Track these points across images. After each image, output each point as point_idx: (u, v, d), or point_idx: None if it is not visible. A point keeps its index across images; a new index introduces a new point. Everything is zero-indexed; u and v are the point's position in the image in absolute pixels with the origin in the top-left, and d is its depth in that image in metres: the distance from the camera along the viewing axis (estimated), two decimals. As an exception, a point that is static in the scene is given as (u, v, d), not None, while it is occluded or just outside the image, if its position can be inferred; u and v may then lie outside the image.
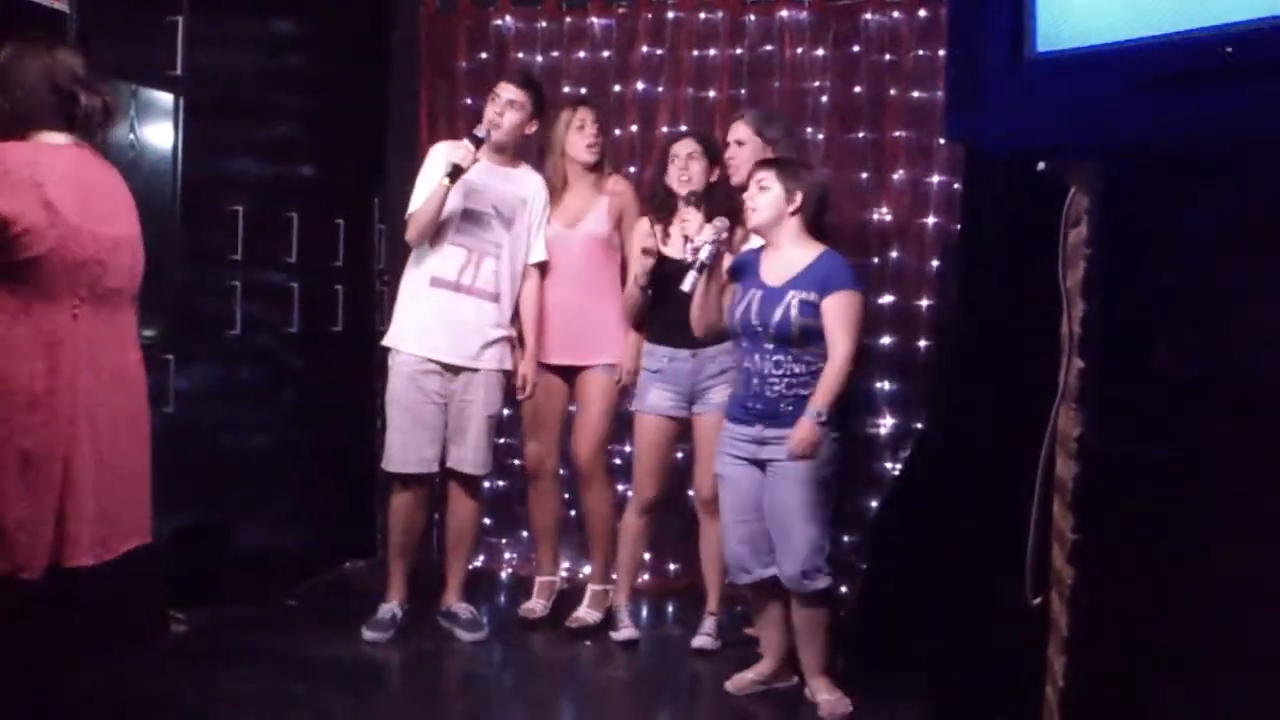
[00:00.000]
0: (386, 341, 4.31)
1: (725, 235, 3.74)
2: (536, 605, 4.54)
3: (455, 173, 4.08)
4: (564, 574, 4.83)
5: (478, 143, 4.13)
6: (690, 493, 4.45)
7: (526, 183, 4.36)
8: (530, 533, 4.82)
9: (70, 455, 2.77)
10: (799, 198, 3.62)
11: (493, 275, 4.25)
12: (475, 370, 4.24)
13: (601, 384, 4.40)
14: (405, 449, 4.23)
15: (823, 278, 3.57)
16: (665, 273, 4.07)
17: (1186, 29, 1.57)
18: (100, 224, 2.84)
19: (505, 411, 4.59)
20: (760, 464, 3.61)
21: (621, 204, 4.42)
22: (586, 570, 4.71)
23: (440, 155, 4.28)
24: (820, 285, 3.55)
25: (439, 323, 4.20)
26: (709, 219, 3.92)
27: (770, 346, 3.58)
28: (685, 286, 3.72)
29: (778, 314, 3.55)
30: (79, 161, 2.85)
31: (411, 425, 4.21)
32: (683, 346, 4.13)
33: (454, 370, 4.23)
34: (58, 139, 2.84)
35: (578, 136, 4.39)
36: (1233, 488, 1.84)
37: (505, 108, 4.23)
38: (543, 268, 4.38)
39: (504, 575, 5.07)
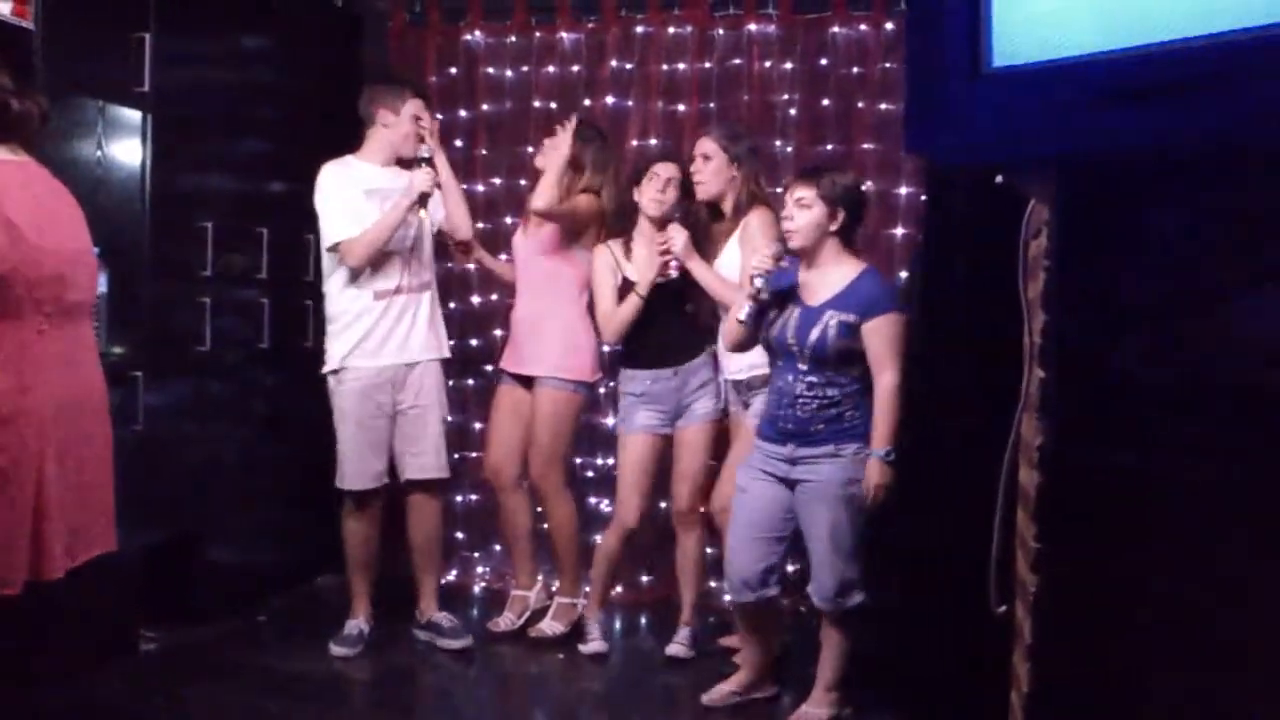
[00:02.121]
0: (329, 366, 4.24)
1: (781, 260, 3.55)
2: (504, 620, 4.55)
3: (424, 200, 4.11)
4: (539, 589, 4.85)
5: (430, 164, 4.17)
6: (663, 505, 4.46)
7: (413, 175, 4.25)
8: (502, 546, 4.82)
9: (42, 470, 2.77)
10: (841, 216, 3.49)
11: (421, 267, 4.28)
12: (425, 364, 4.26)
13: (549, 398, 4.40)
14: (359, 465, 4.22)
15: (864, 300, 3.43)
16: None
17: (1142, 44, 1.60)
18: (58, 239, 2.84)
19: (476, 425, 4.59)
20: (790, 483, 3.51)
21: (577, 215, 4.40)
22: (556, 584, 4.71)
23: (340, 177, 4.23)
24: (861, 308, 3.42)
25: (386, 332, 4.19)
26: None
27: (804, 367, 3.46)
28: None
29: (814, 334, 3.44)
30: (28, 175, 2.85)
31: (365, 441, 4.21)
32: (664, 366, 4.15)
33: (405, 372, 4.22)
34: (3, 154, 2.83)
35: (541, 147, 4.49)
36: (1195, 495, 1.86)
37: (428, 118, 4.29)
38: (508, 290, 4.51)
39: (477, 589, 5.06)
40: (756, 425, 3.70)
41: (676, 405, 4.17)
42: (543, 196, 4.22)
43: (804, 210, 3.49)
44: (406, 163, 4.28)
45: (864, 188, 3.78)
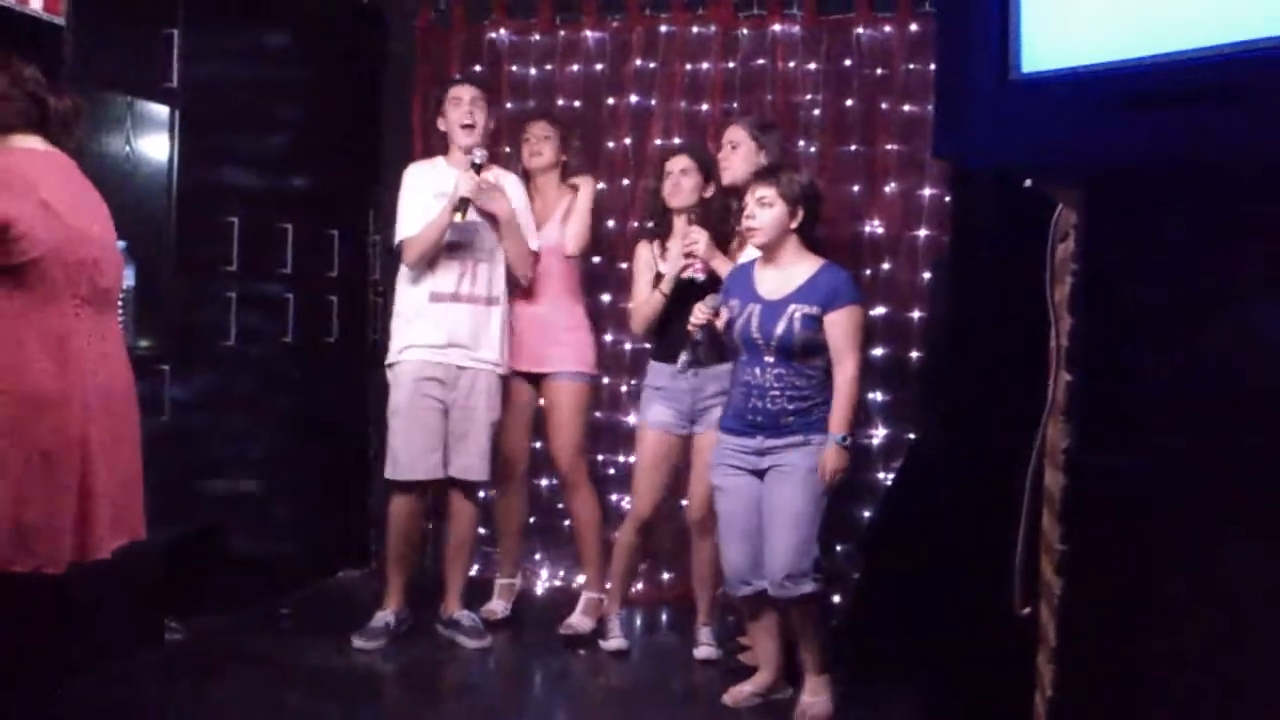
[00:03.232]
0: (388, 359, 4.33)
1: (715, 315, 3.77)
2: (498, 606, 4.62)
3: (464, 205, 4.11)
4: (544, 583, 4.98)
5: (478, 169, 4.16)
6: (684, 503, 4.47)
7: (500, 182, 4.39)
8: (494, 534, 4.85)
9: (87, 451, 2.81)
10: (801, 214, 3.62)
11: (488, 281, 4.30)
12: (478, 370, 4.28)
13: (567, 390, 4.46)
14: (411, 456, 4.24)
15: (826, 292, 3.57)
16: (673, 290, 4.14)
17: (1172, 51, 1.60)
18: (91, 224, 2.88)
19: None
20: (760, 474, 3.62)
21: (572, 200, 4.49)
22: (580, 579, 4.73)
23: (418, 177, 4.33)
24: (824, 299, 3.55)
25: (441, 330, 4.24)
26: (705, 230, 4.01)
27: (770, 359, 3.58)
28: (678, 367, 3.88)
29: (780, 327, 3.56)
30: (61, 165, 2.89)
31: (417, 433, 4.23)
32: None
33: (456, 373, 4.25)
34: (36, 144, 2.87)
35: (524, 148, 4.58)
36: (1220, 498, 1.87)
37: (472, 107, 4.29)
38: (537, 256, 4.46)
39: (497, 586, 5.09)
40: (719, 419, 3.82)
41: (691, 407, 4.17)
42: (579, 241, 4.45)
43: (766, 209, 3.62)
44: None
45: (818, 186, 3.91)
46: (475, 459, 4.31)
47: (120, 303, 3.19)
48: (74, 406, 2.79)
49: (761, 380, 3.59)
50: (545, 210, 4.55)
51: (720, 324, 3.74)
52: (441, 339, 4.23)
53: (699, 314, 3.79)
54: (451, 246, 4.23)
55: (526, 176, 4.60)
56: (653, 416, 4.22)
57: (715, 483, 3.74)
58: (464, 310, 4.26)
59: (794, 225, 3.63)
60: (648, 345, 4.47)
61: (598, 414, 4.91)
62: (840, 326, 3.54)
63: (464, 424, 4.28)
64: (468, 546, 4.45)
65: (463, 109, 4.28)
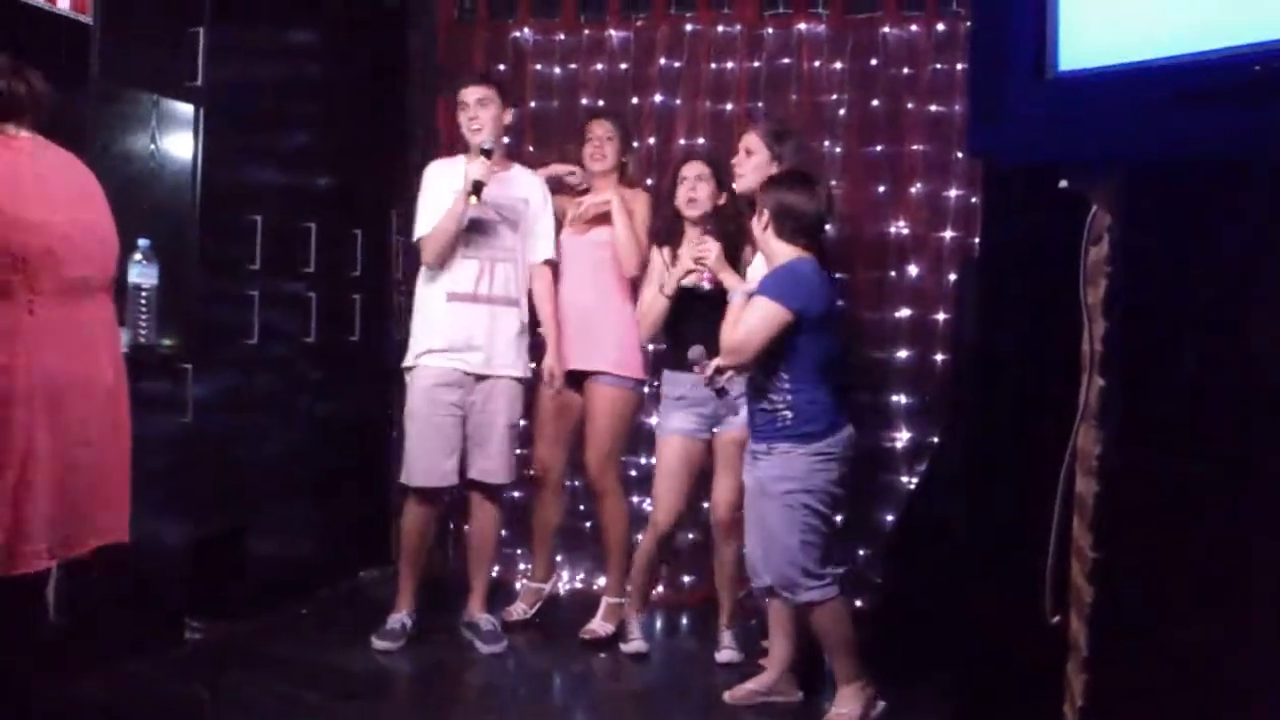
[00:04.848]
0: (405, 362, 4.31)
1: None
2: (517, 609, 4.60)
3: (478, 188, 4.09)
4: (566, 585, 4.98)
5: (488, 154, 4.15)
6: (705, 505, 4.45)
7: (523, 182, 4.39)
8: (528, 536, 4.84)
9: (29, 454, 2.68)
10: (785, 225, 3.59)
11: (507, 281, 4.27)
12: (496, 378, 4.26)
13: (608, 395, 4.41)
14: (426, 462, 4.23)
15: (762, 284, 3.58)
16: (680, 297, 4.10)
17: (1212, 48, 1.57)
18: (49, 213, 2.74)
19: (522, 422, 4.60)
20: None
21: (629, 204, 4.42)
22: (601, 582, 4.72)
23: (438, 175, 4.32)
24: (759, 289, 3.57)
25: (459, 334, 4.21)
26: (718, 239, 4.00)
27: None
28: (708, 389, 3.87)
29: None
30: (16, 151, 2.77)
31: (431, 439, 4.21)
32: None
33: (474, 380, 4.24)
34: None
35: (587, 147, 4.49)
36: (1254, 505, 1.83)
37: (476, 110, 4.25)
38: (552, 267, 4.41)
39: (518, 586, 5.07)
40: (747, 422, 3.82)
41: (715, 411, 4.15)
42: (633, 262, 4.35)
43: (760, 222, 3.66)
44: (501, 156, 4.32)
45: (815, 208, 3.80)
46: (495, 462, 4.29)
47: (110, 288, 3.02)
48: (17, 407, 2.67)
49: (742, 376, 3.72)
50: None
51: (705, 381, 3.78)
52: (459, 341, 4.20)
53: (693, 353, 3.80)
54: (469, 245, 4.21)
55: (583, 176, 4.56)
56: (674, 424, 4.20)
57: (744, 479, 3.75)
58: (482, 310, 4.23)
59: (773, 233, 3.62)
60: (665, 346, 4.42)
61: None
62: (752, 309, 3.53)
63: (483, 430, 4.26)
64: (489, 548, 4.43)
65: (468, 112, 4.26)
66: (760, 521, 3.58)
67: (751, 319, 3.51)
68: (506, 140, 4.47)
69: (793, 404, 3.52)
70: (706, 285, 4.04)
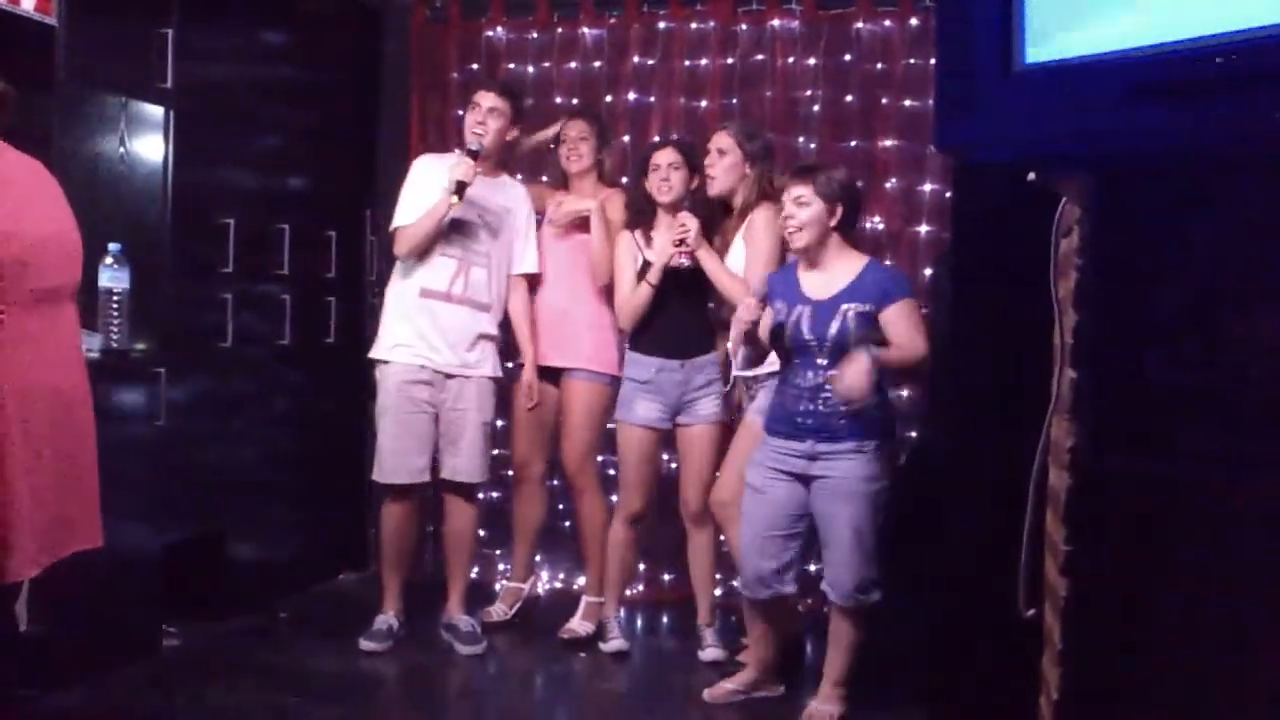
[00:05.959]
0: (374, 353, 4.30)
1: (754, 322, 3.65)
2: (496, 610, 4.59)
3: (460, 189, 4.08)
4: (545, 585, 4.97)
5: (474, 155, 4.14)
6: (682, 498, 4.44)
7: (510, 192, 4.39)
8: (508, 536, 4.83)
9: (7, 463, 2.65)
10: (840, 211, 3.54)
11: (481, 285, 4.26)
12: (467, 377, 4.24)
13: (583, 391, 4.41)
14: (396, 459, 4.22)
15: (876, 289, 3.47)
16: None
17: (1176, 40, 1.57)
18: (15, 222, 2.69)
19: (499, 422, 4.58)
20: (806, 480, 3.50)
21: (606, 212, 4.39)
22: (581, 581, 4.71)
23: (425, 169, 4.32)
24: (875, 298, 3.46)
25: (431, 331, 4.20)
26: (696, 218, 4.00)
27: (824, 362, 3.46)
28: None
29: (834, 328, 3.45)
30: None
31: (402, 435, 4.20)
32: (673, 356, 4.14)
33: (445, 377, 4.22)
34: None
35: (562, 149, 4.48)
36: (1225, 498, 1.84)
37: (486, 116, 4.24)
38: (531, 280, 4.40)
39: (498, 587, 5.05)
40: (763, 421, 3.69)
41: (679, 399, 4.14)
42: (605, 273, 4.32)
43: (804, 208, 3.54)
44: (494, 164, 4.33)
45: (858, 184, 3.83)
46: (467, 460, 4.27)
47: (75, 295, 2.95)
48: None
49: (815, 382, 3.47)
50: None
51: (764, 331, 3.61)
52: (432, 338, 4.20)
53: (742, 320, 3.62)
54: (449, 244, 4.20)
55: (564, 178, 4.54)
56: (636, 414, 4.18)
57: (752, 482, 3.60)
58: (454, 310, 4.22)
59: (833, 224, 3.54)
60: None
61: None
62: (901, 319, 3.45)
63: (455, 427, 4.25)
64: (466, 549, 4.41)
65: (477, 115, 4.25)
66: (849, 523, 3.44)
67: (915, 319, 3.48)
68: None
69: (882, 402, 3.50)
70: (686, 262, 4.03)
